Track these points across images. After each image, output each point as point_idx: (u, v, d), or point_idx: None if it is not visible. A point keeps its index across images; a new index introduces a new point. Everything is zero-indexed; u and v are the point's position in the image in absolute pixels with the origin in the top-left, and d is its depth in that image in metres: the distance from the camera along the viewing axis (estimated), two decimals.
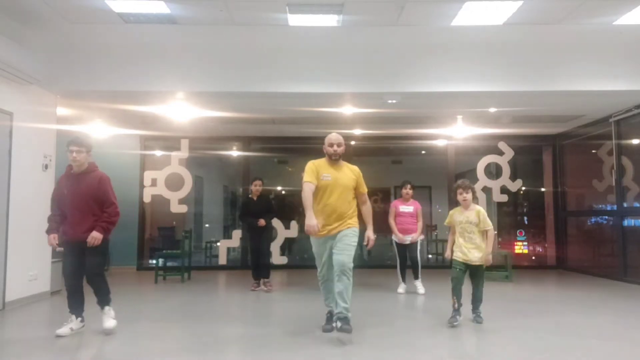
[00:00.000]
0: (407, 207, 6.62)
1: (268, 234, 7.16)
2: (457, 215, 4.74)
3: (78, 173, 4.37)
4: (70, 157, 4.30)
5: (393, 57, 6.36)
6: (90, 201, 4.32)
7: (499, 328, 4.65)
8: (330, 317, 4.33)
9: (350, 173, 4.43)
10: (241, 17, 5.80)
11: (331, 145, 4.37)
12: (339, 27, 6.04)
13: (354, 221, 4.38)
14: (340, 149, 4.39)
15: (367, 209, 4.57)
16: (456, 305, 4.61)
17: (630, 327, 4.72)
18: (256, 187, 7.03)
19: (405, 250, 6.55)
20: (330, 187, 4.29)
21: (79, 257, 4.32)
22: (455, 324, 4.54)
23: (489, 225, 4.64)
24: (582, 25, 5.92)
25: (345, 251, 4.19)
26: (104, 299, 4.44)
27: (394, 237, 6.64)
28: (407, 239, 6.50)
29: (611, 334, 4.47)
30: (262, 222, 6.79)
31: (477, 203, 5.08)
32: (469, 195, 4.67)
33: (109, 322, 4.38)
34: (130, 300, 6.42)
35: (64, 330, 4.27)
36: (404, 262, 6.63)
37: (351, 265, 4.19)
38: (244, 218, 7.17)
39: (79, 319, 4.39)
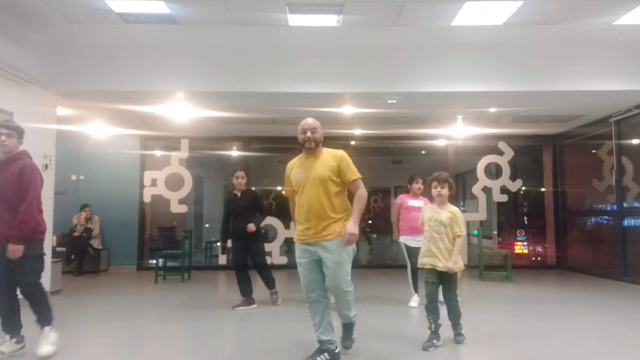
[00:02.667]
0: (417, 202, 5.62)
1: (259, 237, 5.76)
2: (427, 212, 4.10)
3: (3, 161, 3.67)
4: None
5: (393, 57, 6.36)
6: (9, 193, 3.55)
7: (498, 328, 4.65)
8: (320, 348, 3.54)
9: (329, 160, 3.58)
10: (241, 17, 5.80)
11: (303, 132, 3.62)
12: (339, 27, 6.04)
13: (340, 226, 3.47)
14: (316, 135, 3.60)
15: (359, 196, 3.54)
16: (433, 327, 3.94)
17: (630, 328, 4.72)
18: (238, 180, 5.65)
19: (416, 254, 5.31)
20: (302, 184, 3.56)
21: (3, 261, 3.53)
22: (430, 349, 3.86)
23: (461, 231, 3.96)
24: (582, 25, 5.91)
25: (337, 275, 3.46)
26: (43, 317, 3.64)
27: (402, 240, 5.74)
28: (418, 240, 4.99)
29: (611, 334, 4.47)
30: (251, 227, 5.48)
31: (453, 197, 4.28)
32: (445, 190, 4.00)
33: (45, 348, 3.57)
34: (130, 300, 6.42)
35: None
36: (415, 268, 5.22)
37: (349, 286, 3.53)
38: (225, 226, 5.75)
39: (14, 339, 3.66)
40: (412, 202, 5.69)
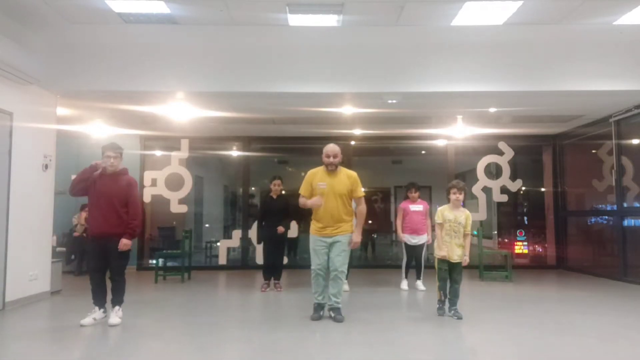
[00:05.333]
0: (416, 207, 6.90)
1: (285, 238, 7.00)
2: (447, 214, 5.01)
3: (110, 174, 4.75)
4: (109, 162, 4.70)
5: (393, 57, 6.36)
6: (115, 201, 4.66)
7: (498, 328, 4.66)
8: (317, 307, 4.86)
9: (346, 179, 4.86)
10: (241, 17, 5.80)
11: (327, 156, 4.85)
12: (339, 27, 6.04)
13: (349, 226, 4.87)
14: (336, 160, 4.85)
15: (360, 211, 4.95)
16: (443, 297, 5.06)
17: (630, 327, 4.72)
18: (275, 187, 6.87)
19: (413, 250, 6.85)
20: (326, 194, 4.78)
21: (101, 252, 4.68)
22: (443, 314, 5.01)
23: (470, 230, 5.04)
24: (582, 25, 5.91)
25: (339, 257, 4.80)
26: (118, 299, 4.81)
27: (404, 237, 6.87)
28: (416, 239, 6.79)
29: (611, 334, 4.48)
30: (280, 229, 6.66)
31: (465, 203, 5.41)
32: (462, 196, 5.00)
33: (115, 319, 4.71)
34: (130, 300, 6.37)
35: (87, 320, 4.65)
36: (410, 261, 6.93)
37: (344, 268, 4.86)
38: (261, 227, 6.94)
39: (102, 310, 4.81)
40: (413, 207, 6.89)
